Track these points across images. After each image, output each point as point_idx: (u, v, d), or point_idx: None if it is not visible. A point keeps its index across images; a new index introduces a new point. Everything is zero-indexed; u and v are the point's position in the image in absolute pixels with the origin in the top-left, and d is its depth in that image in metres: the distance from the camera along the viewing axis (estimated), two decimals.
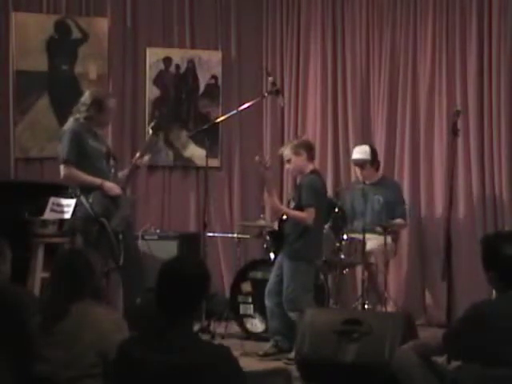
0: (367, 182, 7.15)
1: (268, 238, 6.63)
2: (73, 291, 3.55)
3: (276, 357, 5.90)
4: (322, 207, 6.00)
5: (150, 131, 6.29)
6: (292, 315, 5.86)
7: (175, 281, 3.04)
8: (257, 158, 5.97)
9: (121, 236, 5.79)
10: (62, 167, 5.90)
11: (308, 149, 6.03)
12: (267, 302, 6.07)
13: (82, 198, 5.81)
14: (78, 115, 5.88)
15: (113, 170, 5.99)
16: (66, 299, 3.53)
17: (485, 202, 7.16)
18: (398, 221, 7.03)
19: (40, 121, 7.46)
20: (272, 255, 6.46)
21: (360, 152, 7.12)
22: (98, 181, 5.82)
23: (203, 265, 3.23)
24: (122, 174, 6.09)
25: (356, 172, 7.25)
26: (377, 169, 7.20)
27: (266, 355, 5.95)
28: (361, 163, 7.11)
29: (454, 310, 5.95)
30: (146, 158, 6.17)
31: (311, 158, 6.04)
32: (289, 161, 6.06)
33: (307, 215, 5.87)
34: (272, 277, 6.10)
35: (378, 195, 7.06)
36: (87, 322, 3.47)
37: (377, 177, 7.18)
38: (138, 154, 6.15)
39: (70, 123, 5.93)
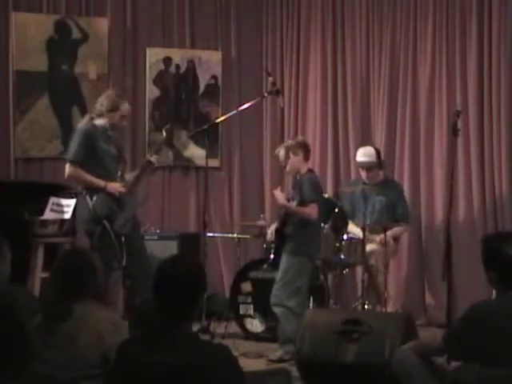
0: (368, 182, 7.13)
1: (273, 237, 6.58)
2: (75, 291, 3.53)
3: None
4: (320, 205, 6.03)
5: (164, 133, 6.30)
6: (277, 310, 5.86)
7: (171, 280, 3.04)
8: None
9: (123, 238, 5.80)
10: (67, 166, 5.93)
11: (305, 149, 6.09)
12: None
13: (87, 198, 5.82)
14: (92, 113, 5.97)
15: (119, 173, 5.99)
16: (69, 300, 3.51)
17: (485, 202, 7.16)
18: (403, 224, 7.01)
19: (40, 121, 7.45)
20: (272, 256, 6.44)
21: (366, 154, 7.04)
22: (101, 183, 5.83)
23: (199, 264, 3.24)
24: (130, 176, 6.10)
25: (361, 173, 7.16)
26: (380, 169, 7.18)
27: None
28: (368, 166, 7.03)
29: (454, 310, 5.94)
30: (155, 157, 6.18)
31: (307, 158, 6.10)
32: (286, 161, 6.08)
33: (311, 210, 5.91)
34: None
35: (380, 196, 7.01)
36: (87, 322, 3.46)
37: (379, 177, 7.16)
38: (148, 155, 6.19)
39: (83, 122, 6.02)
